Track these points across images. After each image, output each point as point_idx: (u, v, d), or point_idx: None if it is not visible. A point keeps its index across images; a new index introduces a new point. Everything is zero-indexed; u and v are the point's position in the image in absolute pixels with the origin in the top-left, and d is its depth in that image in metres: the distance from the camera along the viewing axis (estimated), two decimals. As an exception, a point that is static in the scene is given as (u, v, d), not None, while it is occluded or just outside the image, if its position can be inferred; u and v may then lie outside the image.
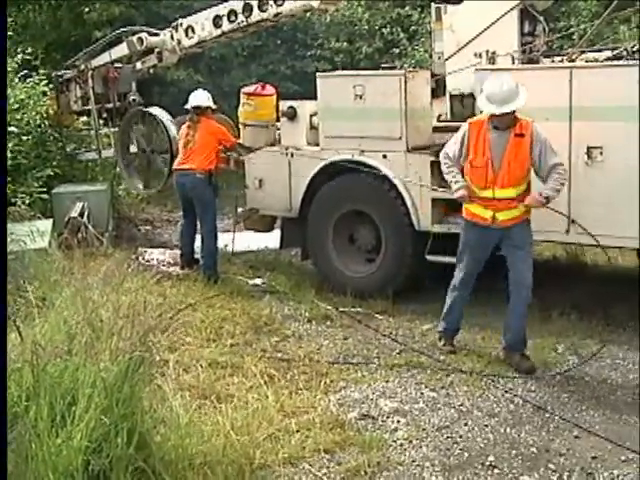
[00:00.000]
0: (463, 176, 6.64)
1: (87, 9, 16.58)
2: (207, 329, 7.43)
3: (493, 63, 7.84)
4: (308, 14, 12.25)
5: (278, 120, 9.40)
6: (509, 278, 6.61)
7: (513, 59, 8.08)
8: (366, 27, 19.56)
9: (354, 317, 7.87)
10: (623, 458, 5.07)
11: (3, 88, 8.69)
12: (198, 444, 4.82)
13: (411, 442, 5.35)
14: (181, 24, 10.61)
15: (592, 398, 5.97)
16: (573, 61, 7.69)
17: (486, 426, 5.55)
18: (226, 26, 10.22)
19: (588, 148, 7.05)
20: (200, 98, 9.47)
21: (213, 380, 6.23)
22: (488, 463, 5.05)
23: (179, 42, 10.68)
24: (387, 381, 6.36)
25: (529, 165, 6.42)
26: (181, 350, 6.85)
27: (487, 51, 7.86)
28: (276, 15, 9.81)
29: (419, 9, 18.43)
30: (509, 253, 6.62)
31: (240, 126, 9.81)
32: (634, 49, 7.80)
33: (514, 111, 6.33)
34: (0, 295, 5.22)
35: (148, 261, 9.98)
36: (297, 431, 5.42)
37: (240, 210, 9.89)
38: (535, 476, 4.88)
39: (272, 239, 9.96)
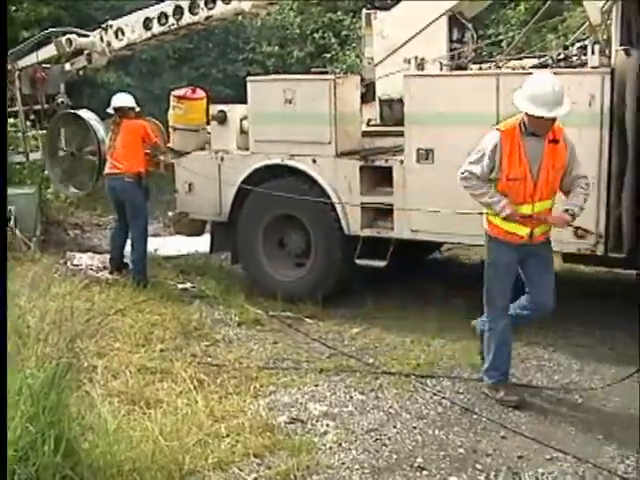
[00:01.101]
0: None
1: (14, 8, 16.30)
2: (136, 334, 7.36)
3: (422, 69, 7.91)
4: (239, 18, 12.24)
5: (208, 124, 9.37)
6: (529, 298, 6.03)
7: (441, 65, 8.17)
8: (298, 31, 19.61)
9: (284, 321, 7.90)
10: (548, 457, 5.15)
11: (3, 88, 8.58)
12: (127, 450, 4.77)
13: (340, 445, 5.36)
14: (111, 26, 10.52)
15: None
16: (500, 68, 7.80)
17: (415, 428, 5.59)
18: (157, 29, 10.17)
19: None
20: (122, 99, 9.42)
21: (142, 386, 6.17)
22: (417, 465, 5.09)
23: (109, 44, 10.60)
24: (316, 385, 6.37)
25: (562, 174, 5.79)
26: (110, 356, 6.77)
27: (416, 57, 7.92)
28: (207, 18, 9.80)
29: (351, 14, 18.54)
30: (534, 272, 5.94)
31: (170, 130, 9.76)
32: (559, 57, 7.94)
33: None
34: (0, 295, 5.26)
35: (76, 266, 9.84)
36: (227, 436, 5.40)
37: (170, 214, 9.83)
38: (463, 477, 4.93)
39: (202, 243, 9.91)
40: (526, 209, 5.72)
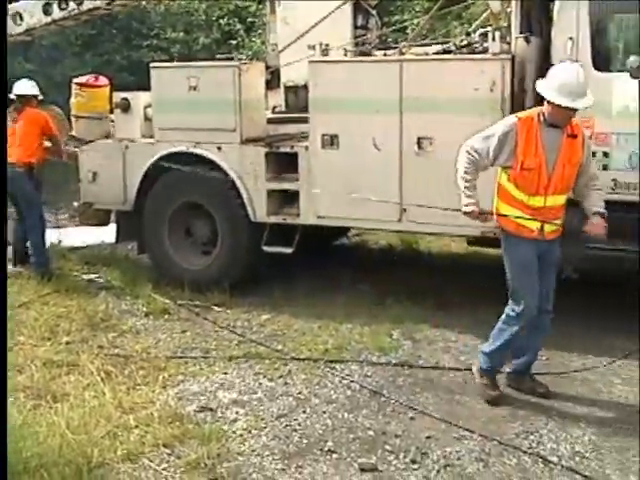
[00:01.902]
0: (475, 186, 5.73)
1: None
2: (41, 327, 7.25)
3: (326, 55, 7.93)
4: (143, 3, 12.08)
5: (112, 112, 9.21)
6: None
7: (346, 52, 8.20)
8: (203, 17, 19.49)
9: (192, 310, 7.85)
10: (456, 436, 5.26)
11: (3, 89, 8.31)
12: (33, 446, 4.72)
13: (250, 432, 5.36)
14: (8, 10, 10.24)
15: (426, 381, 6.15)
16: (403, 54, 7.87)
17: (324, 412, 5.63)
18: (57, 14, 9.94)
19: (418, 139, 7.26)
20: (24, 87, 9.18)
21: (48, 380, 6.09)
22: (327, 448, 5.13)
23: (6, 29, 10.31)
24: (225, 373, 6.36)
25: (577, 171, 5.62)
26: (14, 350, 6.64)
27: (320, 43, 7.93)
28: (109, 3, 9.63)
29: (257, 0, 18.49)
30: (542, 273, 5.70)
31: (72, 118, 9.56)
32: (462, 44, 8.06)
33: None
34: (0, 294, 5.24)
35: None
36: (136, 427, 5.36)
37: (75, 204, 9.65)
38: (372, 458, 4.98)
39: (108, 233, 9.76)
40: (538, 201, 5.53)
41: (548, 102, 5.45)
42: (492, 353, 5.85)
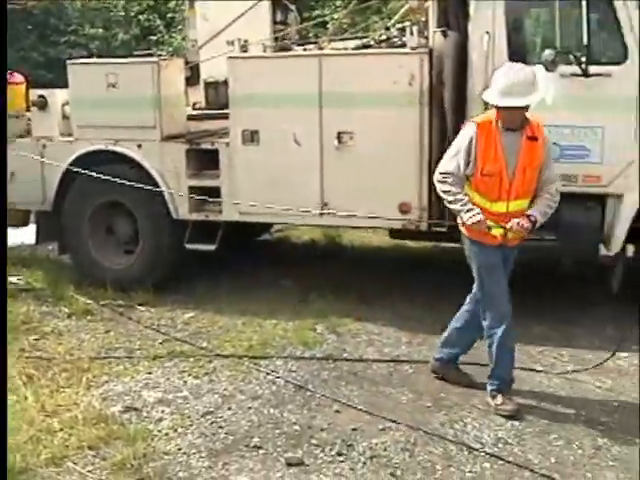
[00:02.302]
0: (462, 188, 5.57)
1: None
2: (-42, 332, 7.07)
3: (245, 51, 7.91)
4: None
5: (29, 110, 9.04)
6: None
7: (265, 47, 8.20)
8: (122, 13, 19.23)
9: (115, 310, 7.76)
10: (381, 427, 5.31)
11: (3, 87, 8.00)
12: (-48, 453, 4.60)
13: (176, 431, 5.34)
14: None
15: (350, 374, 6.19)
16: (322, 49, 7.89)
17: (250, 408, 5.63)
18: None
19: (338, 133, 7.30)
20: None
21: (-34, 385, 5.95)
22: (253, 444, 5.13)
23: None
24: (150, 372, 6.30)
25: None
26: None
27: (239, 39, 7.91)
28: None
29: (176, -4, 18.34)
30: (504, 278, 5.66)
31: (-13, 116, 9.36)
32: (381, 38, 8.12)
33: (526, 107, 5.38)
34: (0, 296, 5.04)
35: None
36: (60, 430, 5.29)
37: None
38: (299, 452, 5.00)
39: (28, 234, 9.57)
40: (500, 207, 5.43)
41: (494, 106, 5.43)
42: (494, 372, 5.67)
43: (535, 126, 5.43)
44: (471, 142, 5.41)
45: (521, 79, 5.32)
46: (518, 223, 5.37)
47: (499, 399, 5.59)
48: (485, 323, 5.60)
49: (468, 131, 5.50)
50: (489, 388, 5.67)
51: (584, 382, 5.81)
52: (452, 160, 5.51)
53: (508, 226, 5.39)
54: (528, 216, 5.41)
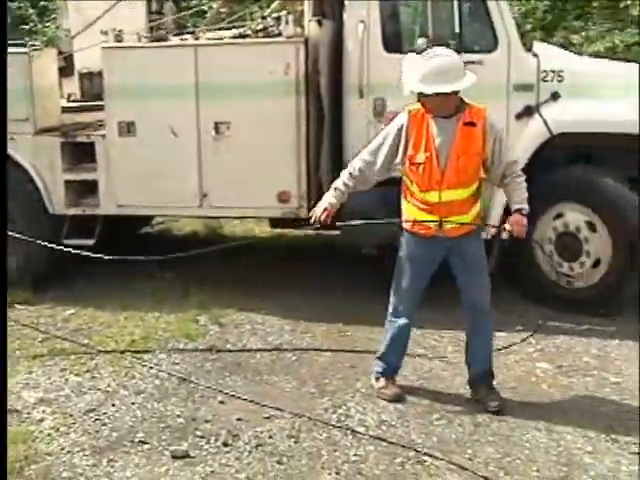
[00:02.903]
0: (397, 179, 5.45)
1: None
2: None
3: (120, 41, 7.77)
4: None
5: None
6: (463, 302, 5.49)
7: (140, 37, 8.07)
8: (-9, 1, 18.60)
9: (-8, 309, 7.54)
10: (265, 416, 5.32)
11: (3, 86, 7.45)
12: None
13: (59, 430, 5.22)
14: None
15: (234, 364, 6.19)
16: (198, 39, 7.83)
17: (133, 404, 5.55)
18: None
19: (216, 124, 7.27)
20: None
21: None
22: (137, 440, 5.06)
23: None
24: (30, 372, 6.14)
25: (481, 161, 5.20)
26: None
27: (113, 29, 7.76)
28: None
29: (47, -17, 17.85)
30: (459, 273, 5.42)
31: None
32: (258, 28, 8.10)
33: (457, 93, 5.12)
34: (0, 298, 4.76)
35: None
36: None
37: None
38: (184, 445, 4.97)
39: None
40: (432, 197, 5.20)
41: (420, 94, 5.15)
42: (383, 355, 5.66)
43: (474, 111, 5.16)
44: (400, 131, 5.23)
45: (443, 65, 5.03)
46: (517, 223, 5.18)
47: (382, 382, 5.64)
48: (390, 308, 5.58)
49: (398, 120, 5.29)
50: (375, 369, 5.71)
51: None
52: (371, 149, 5.38)
53: (508, 228, 5.24)
54: (519, 210, 5.20)
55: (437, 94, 5.01)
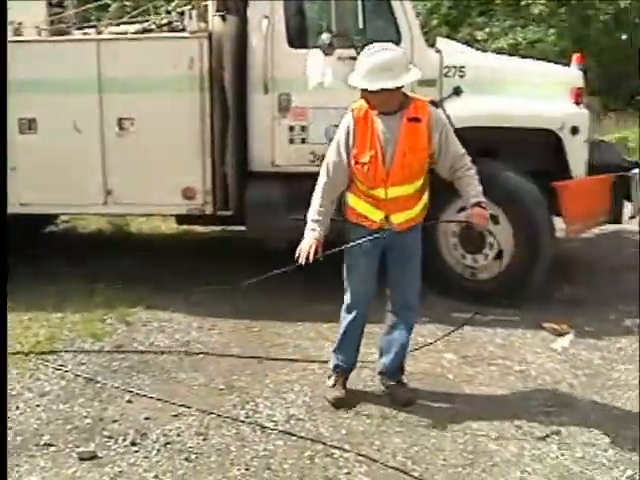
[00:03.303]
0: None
1: None
2: None
3: (19, 35, 7.61)
4: None
5: None
6: (391, 296, 5.43)
7: (40, 30, 7.91)
8: None
9: None
10: (174, 414, 5.27)
11: (3, 87, 6.96)
12: None
13: (-40, 436, 5.10)
14: None
15: (141, 363, 6.12)
16: (101, 33, 7.71)
17: (38, 406, 5.43)
18: None
19: (119, 119, 7.19)
20: None
21: None
22: (43, 442, 4.96)
23: None
24: None
25: (427, 156, 5.07)
26: None
27: (12, 22, 7.58)
28: None
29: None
30: (396, 266, 5.31)
31: None
32: (162, 22, 8.04)
33: (399, 89, 4.96)
34: (0, 298, 4.60)
35: None
36: None
37: None
38: (91, 446, 4.88)
39: None
40: (378, 193, 5.09)
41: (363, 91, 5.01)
42: (338, 347, 5.56)
43: (419, 106, 5.02)
44: (348, 132, 5.07)
45: (386, 60, 4.87)
46: (480, 215, 5.10)
47: (331, 380, 5.57)
48: (344, 303, 5.45)
49: (345, 120, 5.13)
50: (332, 362, 5.60)
51: (371, 354, 5.99)
52: (332, 154, 5.18)
53: (469, 220, 5.17)
54: (479, 204, 5.10)
55: (381, 90, 4.88)
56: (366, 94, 4.99)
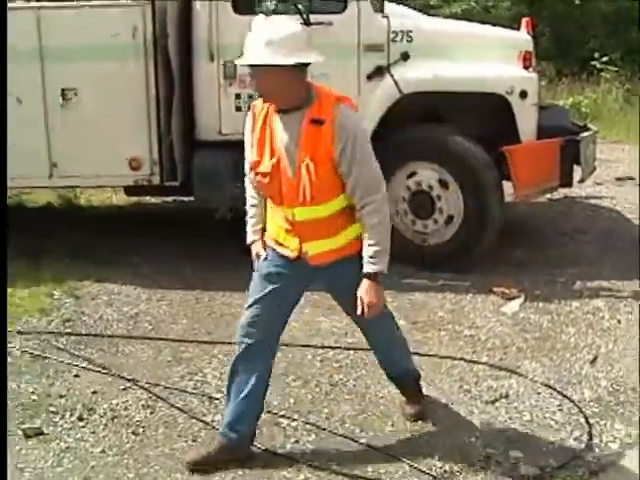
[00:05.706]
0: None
1: None
2: None
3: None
4: None
5: None
6: (355, 322, 4.57)
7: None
8: None
9: None
10: (122, 387, 5.22)
11: (3, 87, 6.76)
12: None
13: None
14: None
15: (89, 336, 6.02)
16: (40, 1, 7.52)
17: (-17, 384, 5.36)
18: None
19: (62, 90, 7.05)
20: None
21: None
22: (-14, 421, 4.91)
23: None
24: None
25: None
26: None
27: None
28: None
29: None
30: (341, 301, 4.43)
31: None
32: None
33: (294, 73, 3.80)
34: (0, 294, 4.63)
35: None
36: None
37: None
38: (37, 422, 4.81)
39: None
40: (286, 213, 4.03)
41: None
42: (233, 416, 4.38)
43: (324, 104, 3.87)
44: (248, 134, 4.11)
45: (274, 32, 3.74)
46: (366, 293, 4.00)
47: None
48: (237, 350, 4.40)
49: (248, 116, 4.15)
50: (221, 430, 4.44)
51: (321, 322, 5.97)
52: (247, 154, 4.19)
53: (359, 295, 4.00)
54: (369, 276, 3.99)
55: (266, 71, 3.77)
56: (255, 81, 3.97)
